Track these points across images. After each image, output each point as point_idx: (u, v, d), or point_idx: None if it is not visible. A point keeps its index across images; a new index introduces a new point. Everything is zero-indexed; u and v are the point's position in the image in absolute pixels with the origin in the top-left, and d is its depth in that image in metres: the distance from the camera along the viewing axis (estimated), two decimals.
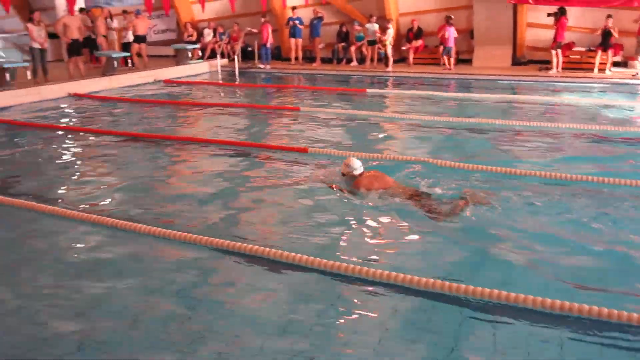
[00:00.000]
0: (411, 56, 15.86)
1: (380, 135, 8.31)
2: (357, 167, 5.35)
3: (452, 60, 14.67)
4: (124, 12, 16.16)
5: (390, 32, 14.89)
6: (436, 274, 3.63)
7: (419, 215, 4.74)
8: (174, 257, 4.19)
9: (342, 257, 3.97)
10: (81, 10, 14.21)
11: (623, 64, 14.12)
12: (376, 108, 10.47)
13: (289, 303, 3.49)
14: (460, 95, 11.61)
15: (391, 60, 15.06)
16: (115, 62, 13.46)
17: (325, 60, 16.84)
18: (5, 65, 10.88)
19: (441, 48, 14.99)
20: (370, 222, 4.68)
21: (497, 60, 14.98)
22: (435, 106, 10.49)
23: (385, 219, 4.74)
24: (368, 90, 12.17)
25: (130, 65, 15.16)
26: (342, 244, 4.32)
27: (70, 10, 13.56)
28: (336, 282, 3.70)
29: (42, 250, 4.36)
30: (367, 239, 4.42)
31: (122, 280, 3.79)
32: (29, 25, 11.94)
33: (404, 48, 16.06)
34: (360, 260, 3.91)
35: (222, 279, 3.92)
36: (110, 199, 5.49)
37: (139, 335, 3.17)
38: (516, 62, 14.91)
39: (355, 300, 3.57)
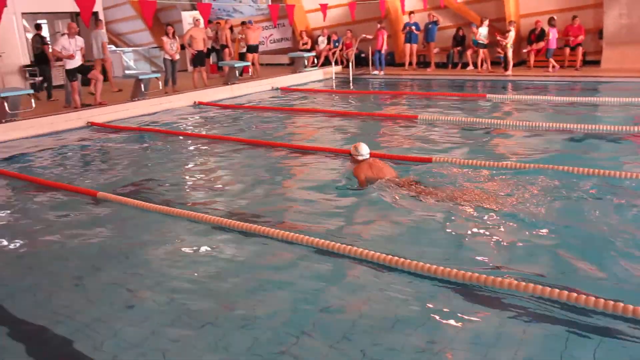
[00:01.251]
0: (532, 59, 15.17)
1: (505, 143, 7.98)
2: (364, 153, 5.94)
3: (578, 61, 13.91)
4: (243, 23, 16.83)
5: (511, 34, 14.31)
6: None
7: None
8: (295, 259, 4.29)
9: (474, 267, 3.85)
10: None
11: None
12: (498, 114, 10.10)
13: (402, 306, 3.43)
14: (587, 99, 10.91)
15: (511, 63, 14.48)
16: (237, 72, 14.03)
17: (438, 65, 16.54)
18: (141, 77, 11.70)
19: (567, 50, 14.26)
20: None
21: (630, 61, 13.91)
22: (559, 111, 9.94)
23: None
24: (488, 95, 11.76)
25: (250, 74, 15.77)
26: (470, 253, 4.19)
27: (205, 24, 14.30)
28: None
29: (169, 250, 4.63)
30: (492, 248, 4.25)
31: (239, 280, 3.96)
32: (164, 38, 12.79)
33: (524, 50, 15.39)
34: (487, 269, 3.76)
35: (343, 283, 3.93)
36: (229, 201, 5.77)
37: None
38: None
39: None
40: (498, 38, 14.49)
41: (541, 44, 15.06)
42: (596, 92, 11.74)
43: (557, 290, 3.49)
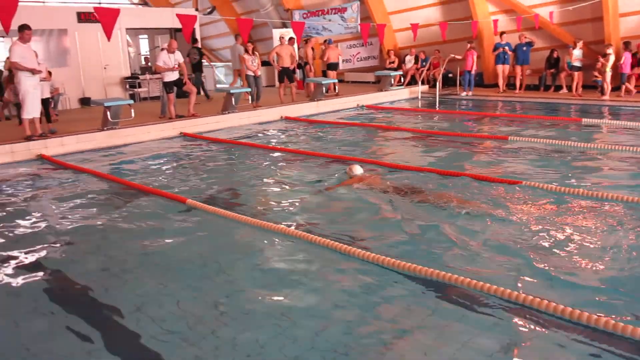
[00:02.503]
0: (633, 84, 14.39)
1: (597, 170, 7.59)
2: (357, 173, 7.11)
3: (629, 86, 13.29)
4: (325, 41, 17.13)
5: (611, 58, 13.67)
6: None
7: None
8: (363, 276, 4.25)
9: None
10: (290, 39, 15.37)
11: None
12: (593, 139, 9.64)
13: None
14: None
15: (609, 88, 13.81)
16: (323, 88, 14.24)
17: (528, 87, 16.04)
18: (232, 91, 12.13)
19: None
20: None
21: None
22: None
23: None
24: (583, 120, 11.26)
25: (336, 91, 15.98)
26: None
27: (298, 41, 14.67)
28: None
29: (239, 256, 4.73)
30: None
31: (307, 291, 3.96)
32: (245, 55, 13.21)
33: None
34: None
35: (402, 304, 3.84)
36: (304, 215, 5.85)
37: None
38: None
39: None
40: (600, 62, 13.85)
41: None
42: None
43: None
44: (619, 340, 3.29)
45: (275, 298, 4.01)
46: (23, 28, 8.99)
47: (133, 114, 10.60)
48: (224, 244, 5.18)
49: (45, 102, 10.28)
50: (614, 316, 3.48)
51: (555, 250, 4.66)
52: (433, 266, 4.25)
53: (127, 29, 15.61)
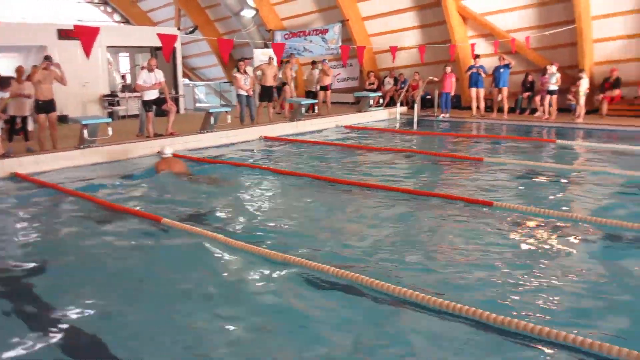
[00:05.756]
0: (605, 107, 14.72)
1: (572, 191, 7.74)
2: (167, 153, 8.78)
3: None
4: (313, 62, 17.28)
5: (584, 81, 13.99)
6: None
7: None
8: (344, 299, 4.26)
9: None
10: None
11: None
12: (566, 161, 9.83)
13: None
14: None
15: (583, 111, 14.11)
16: (303, 109, 14.33)
17: (500, 110, 16.31)
18: (212, 110, 12.16)
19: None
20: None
21: None
22: (634, 161, 9.55)
23: None
24: (557, 141, 11.48)
25: (316, 111, 16.10)
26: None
27: (278, 62, 14.79)
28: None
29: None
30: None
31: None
32: (237, 74, 13.30)
33: (597, 98, 14.97)
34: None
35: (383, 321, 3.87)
36: (288, 235, 5.83)
37: None
38: None
39: None
40: (572, 88, 14.19)
41: (616, 92, 14.66)
42: None
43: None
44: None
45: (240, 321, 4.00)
46: None
47: (110, 132, 10.56)
48: (197, 263, 5.16)
49: (24, 120, 10.20)
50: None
51: (524, 269, 4.73)
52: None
53: (107, 46, 15.60)
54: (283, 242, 5.54)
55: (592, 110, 15.04)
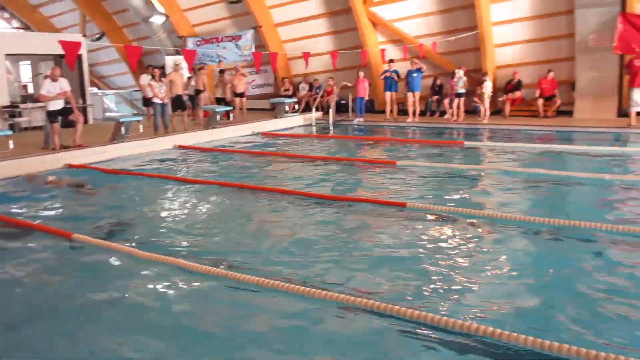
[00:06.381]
0: (508, 108, 15.57)
1: (480, 189, 8.11)
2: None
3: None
4: (221, 71, 17.18)
5: (488, 84, 14.74)
6: None
7: None
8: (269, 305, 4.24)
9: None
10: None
11: None
12: (474, 161, 10.30)
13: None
14: (563, 147, 11.21)
15: (488, 112, 14.85)
16: (217, 116, 14.16)
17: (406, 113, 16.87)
18: (122, 120, 11.75)
19: (540, 100, 14.84)
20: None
21: (600, 112, 14.38)
22: (536, 158, 10.17)
23: None
24: (465, 142, 12.01)
25: (231, 119, 15.95)
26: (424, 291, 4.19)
27: (189, 69, 14.52)
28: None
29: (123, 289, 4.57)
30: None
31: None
32: (152, 82, 12.95)
33: (500, 99, 15.81)
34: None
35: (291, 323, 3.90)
36: (204, 245, 5.73)
37: None
38: (622, 113, 14.19)
39: None
40: (477, 91, 14.91)
41: (517, 94, 15.54)
42: (569, 141, 12.06)
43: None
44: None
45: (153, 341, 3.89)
46: None
47: (12, 145, 9.95)
48: (110, 277, 4.96)
49: None
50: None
51: (437, 267, 4.89)
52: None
53: (6, 54, 14.72)
54: (199, 253, 5.44)
55: (496, 111, 15.87)
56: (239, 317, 4.11)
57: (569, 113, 15.03)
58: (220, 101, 16.37)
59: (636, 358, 3.16)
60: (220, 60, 18.12)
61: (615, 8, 13.73)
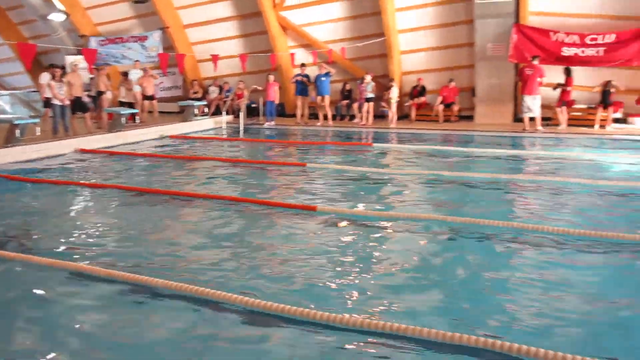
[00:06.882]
0: (413, 113, 16.13)
1: (387, 191, 8.31)
2: None
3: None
4: (123, 73, 16.66)
5: (395, 90, 15.20)
6: None
7: None
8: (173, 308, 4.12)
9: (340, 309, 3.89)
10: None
11: (623, 120, 14.39)
12: (383, 163, 10.55)
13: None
14: (464, 150, 11.76)
15: (395, 116, 15.29)
16: (123, 119, 13.63)
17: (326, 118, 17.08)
18: (17, 122, 11.02)
19: (441, 107, 15.52)
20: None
21: (498, 117, 15.25)
22: (440, 161, 10.59)
23: None
24: (374, 145, 12.30)
25: (138, 121, 15.40)
26: (355, 297, 4.25)
27: (90, 70, 13.86)
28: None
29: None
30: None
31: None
32: (51, 82, 12.24)
33: (407, 104, 16.34)
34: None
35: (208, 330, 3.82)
36: (106, 251, 5.46)
37: None
38: (518, 118, 15.10)
39: None
40: (387, 96, 15.33)
41: (422, 99, 16.14)
42: (470, 144, 12.66)
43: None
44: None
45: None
46: None
47: None
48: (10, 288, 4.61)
49: None
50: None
51: (349, 267, 4.94)
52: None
53: None
54: (105, 258, 5.19)
55: (403, 115, 16.39)
56: (137, 323, 3.95)
57: (470, 118, 15.80)
58: (122, 104, 15.74)
59: (517, 343, 3.34)
60: (137, 61, 17.36)
61: (510, 19, 14.61)
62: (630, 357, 3.47)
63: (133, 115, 15.22)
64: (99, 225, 6.52)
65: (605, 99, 13.90)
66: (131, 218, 6.89)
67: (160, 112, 18.15)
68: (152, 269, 4.91)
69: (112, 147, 12.49)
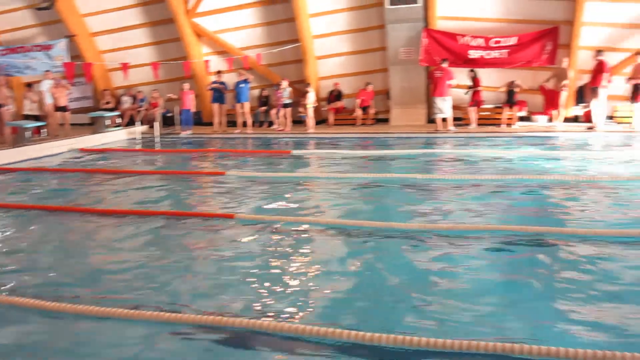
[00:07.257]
0: (331, 117, 16.30)
1: (308, 196, 8.33)
2: None
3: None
4: (28, 84, 15.80)
5: (311, 95, 15.29)
6: None
7: None
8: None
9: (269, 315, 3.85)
10: None
11: (527, 118, 15.24)
12: (302, 169, 10.57)
13: None
14: (382, 152, 12.01)
15: (313, 121, 15.38)
16: (27, 133, 12.88)
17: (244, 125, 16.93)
18: None
19: (359, 111, 15.77)
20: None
21: (412, 118, 15.71)
22: (359, 163, 10.74)
23: None
24: (293, 151, 12.31)
25: (44, 135, 14.61)
26: (273, 305, 4.20)
27: None
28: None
29: None
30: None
31: None
32: None
33: (324, 109, 16.49)
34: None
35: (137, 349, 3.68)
36: (17, 276, 5.11)
37: None
38: (431, 119, 15.58)
39: None
40: (302, 101, 15.39)
41: (339, 104, 16.34)
42: (386, 146, 12.96)
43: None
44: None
45: None
46: None
47: None
48: None
49: None
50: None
51: (270, 273, 4.89)
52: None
53: None
54: (19, 283, 4.86)
55: (322, 120, 16.52)
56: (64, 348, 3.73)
57: (386, 120, 16.16)
58: (28, 118, 14.86)
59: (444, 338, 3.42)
60: (47, 71, 16.28)
61: (420, 24, 15.08)
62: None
63: (39, 129, 14.41)
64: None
65: (511, 98, 14.64)
66: (35, 238, 6.51)
67: (71, 124, 17.34)
68: (65, 291, 4.66)
69: (15, 163, 11.75)
